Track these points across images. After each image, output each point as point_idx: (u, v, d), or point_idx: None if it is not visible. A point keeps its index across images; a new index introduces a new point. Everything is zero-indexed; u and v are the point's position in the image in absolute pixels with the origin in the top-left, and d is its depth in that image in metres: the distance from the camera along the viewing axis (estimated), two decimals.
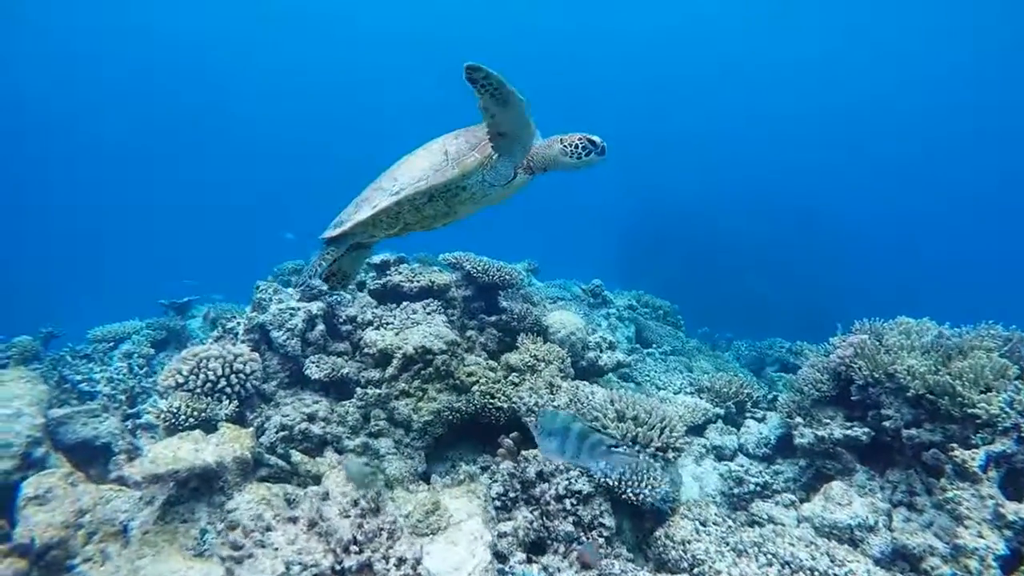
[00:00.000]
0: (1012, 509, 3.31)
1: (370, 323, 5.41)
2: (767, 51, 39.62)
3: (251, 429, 3.85)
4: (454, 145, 3.40)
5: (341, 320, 5.48)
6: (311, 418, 4.50)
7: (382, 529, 2.93)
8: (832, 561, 3.07)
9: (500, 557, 3.34)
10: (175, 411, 3.86)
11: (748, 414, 6.08)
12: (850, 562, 3.05)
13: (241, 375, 4.29)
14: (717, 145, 42.94)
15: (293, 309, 5.07)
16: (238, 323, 5.17)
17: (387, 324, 5.36)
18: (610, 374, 6.60)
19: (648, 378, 7.29)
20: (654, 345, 9.16)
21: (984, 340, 4.10)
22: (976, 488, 3.49)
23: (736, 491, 4.67)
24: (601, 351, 6.36)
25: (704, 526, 3.76)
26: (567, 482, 3.86)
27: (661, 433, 4.14)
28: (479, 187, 3.52)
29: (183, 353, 4.34)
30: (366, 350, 5.03)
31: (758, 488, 4.61)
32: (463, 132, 3.59)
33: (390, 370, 4.83)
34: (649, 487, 3.75)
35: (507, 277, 6.16)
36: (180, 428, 3.79)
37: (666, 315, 11.03)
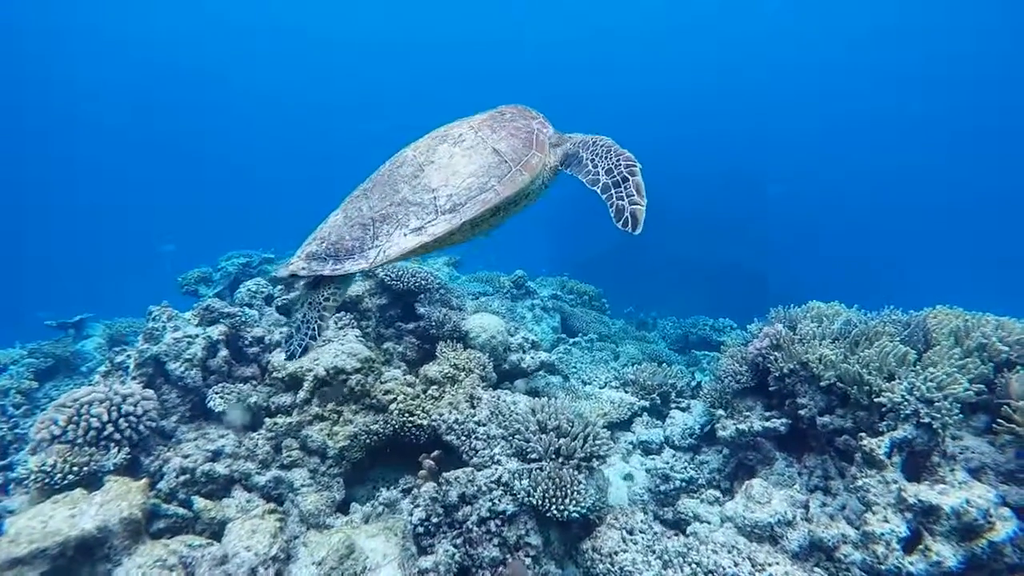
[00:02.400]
0: (912, 492, 3.43)
1: (279, 344, 5.09)
2: (688, 13, 40.02)
3: (142, 481, 3.50)
4: (503, 143, 2.77)
5: (247, 342, 5.12)
6: (215, 456, 4.19)
7: None
8: (753, 566, 3.10)
9: None
10: (49, 469, 3.45)
11: (673, 404, 6.16)
12: (770, 565, 3.09)
13: (132, 418, 3.90)
14: (638, 112, 43.19)
15: (191, 337, 4.68)
16: (128, 356, 4.71)
17: None
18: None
19: (575, 371, 7.27)
20: (580, 334, 9.19)
21: (887, 326, 4.25)
22: (882, 474, 3.61)
23: (663, 488, 4.70)
24: (524, 352, 6.27)
25: (631, 535, 3.74)
26: (490, 503, 3.75)
27: (585, 443, 4.07)
28: (535, 193, 2.97)
29: (60, 399, 3.91)
30: (275, 374, 4.72)
31: (684, 484, 4.66)
32: (489, 122, 2.92)
33: (301, 394, 4.55)
34: (574, 502, 3.68)
35: (423, 282, 5.94)
36: (57, 488, 3.41)
37: (591, 300, 11.11)
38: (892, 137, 40.39)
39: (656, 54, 42.92)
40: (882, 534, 3.37)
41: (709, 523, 4.04)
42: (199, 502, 3.67)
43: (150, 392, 4.16)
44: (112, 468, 3.63)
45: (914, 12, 34.74)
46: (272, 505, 3.34)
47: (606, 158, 2.76)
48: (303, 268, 2.67)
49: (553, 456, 4.05)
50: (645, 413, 6.04)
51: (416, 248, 2.56)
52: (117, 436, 3.79)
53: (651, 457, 5.37)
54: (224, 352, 4.84)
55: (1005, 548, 3.24)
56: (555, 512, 3.64)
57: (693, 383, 6.61)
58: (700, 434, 5.53)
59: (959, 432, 3.77)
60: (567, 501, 3.68)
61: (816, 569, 3.46)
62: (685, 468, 4.78)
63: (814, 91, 41.22)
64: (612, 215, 2.61)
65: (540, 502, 3.67)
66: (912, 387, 3.70)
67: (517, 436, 4.26)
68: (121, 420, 3.84)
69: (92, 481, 3.57)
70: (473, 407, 4.68)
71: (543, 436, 4.13)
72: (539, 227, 34.01)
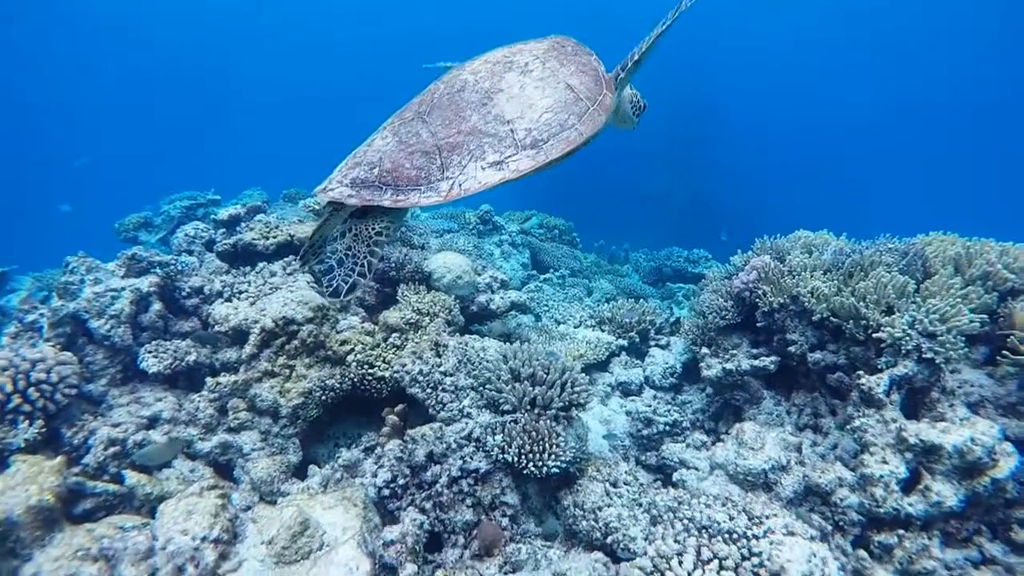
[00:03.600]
0: (913, 431, 3.21)
1: (220, 294, 4.56)
2: None
3: (58, 459, 3.04)
4: (575, 78, 2.59)
5: (185, 293, 4.58)
6: (152, 422, 3.74)
7: None
8: (750, 519, 2.85)
9: (388, 569, 2.88)
10: None
11: (652, 342, 5.89)
12: (768, 518, 2.85)
13: (44, 386, 3.39)
14: (604, 36, 41.29)
15: (115, 290, 4.12)
16: (41, 315, 4.13)
17: (240, 293, 4.53)
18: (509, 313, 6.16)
19: (547, 309, 6.92)
20: (551, 269, 8.81)
21: (883, 255, 3.94)
22: (881, 414, 3.37)
23: (645, 432, 4.45)
24: (493, 292, 5.86)
25: (615, 487, 3.47)
26: (461, 462, 3.42)
27: (562, 391, 3.74)
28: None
29: None
30: (217, 328, 4.22)
31: (667, 427, 4.41)
32: (553, 53, 2.70)
33: (248, 349, 4.08)
34: (553, 457, 3.37)
35: None
36: None
37: (561, 234, 10.69)
38: (869, 58, 39.60)
39: None
40: (881, 476, 3.15)
41: (697, 469, 3.81)
42: (132, 476, 3.25)
43: (67, 355, 3.63)
44: (22, 445, 3.15)
45: None
46: (212, 480, 2.94)
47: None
48: (350, 195, 2.30)
49: (528, 407, 3.72)
50: (623, 352, 5.76)
51: (496, 184, 2.36)
52: (27, 408, 3.29)
53: (631, 399, 5.11)
54: (157, 306, 4.31)
55: (1007, 485, 3.07)
56: (532, 469, 3.33)
57: (672, 319, 6.33)
58: (681, 372, 5.28)
59: (958, 366, 3.55)
60: (545, 456, 3.37)
61: (812, 514, 3.26)
62: (668, 411, 4.52)
63: (786, 19, 39.93)
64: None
65: (516, 459, 3.35)
66: (914, 320, 3.42)
67: (488, 386, 3.90)
68: (31, 389, 3.32)
69: None
70: (439, 355, 4.29)
71: (517, 385, 3.78)
72: None
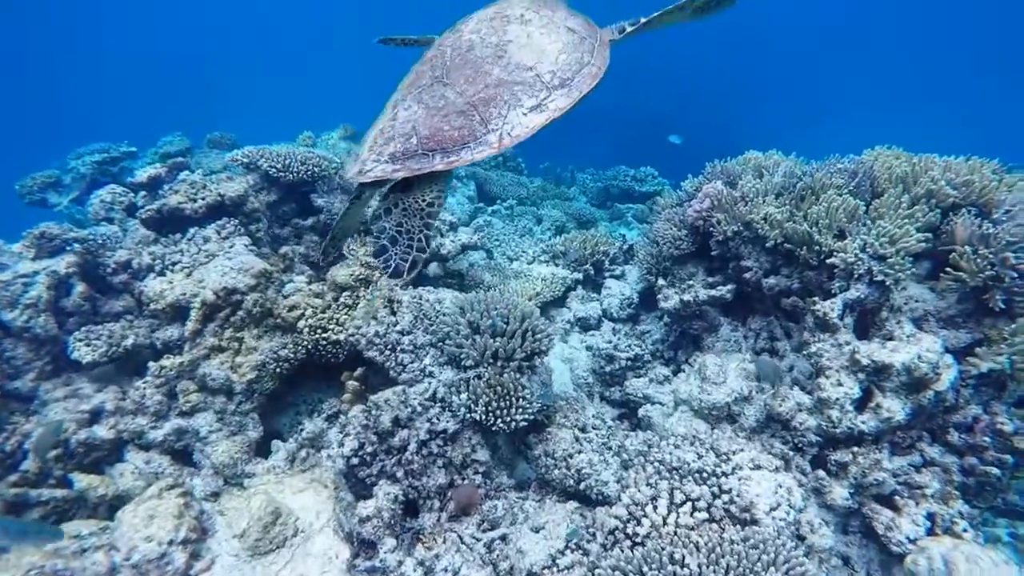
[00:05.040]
0: (865, 352, 3.34)
1: (151, 268, 4.22)
2: None
3: None
4: (570, 21, 2.67)
5: (110, 269, 4.22)
6: (95, 416, 3.52)
7: None
8: (717, 456, 2.95)
9: (366, 545, 2.87)
10: None
11: (607, 273, 5.87)
12: (735, 453, 2.94)
13: None
14: None
15: (26, 275, 3.74)
16: None
17: (174, 265, 4.20)
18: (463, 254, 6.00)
19: (498, 244, 6.78)
20: (499, 200, 8.60)
21: (833, 176, 3.93)
22: (835, 337, 3.48)
23: (608, 369, 4.50)
24: (442, 235, 5.67)
25: (584, 432, 3.53)
26: (428, 424, 3.38)
27: (524, 341, 3.68)
28: None
29: None
30: (152, 305, 3.94)
31: (629, 362, 4.46)
32: (530, 5, 2.72)
33: (190, 325, 3.84)
34: (520, 411, 3.36)
35: (316, 168, 5.05)
36: None
37: (505, 160, 10.39)
38: None
39: None
40: (837, 399, 3.29)
41: (662, 404, 3.90)
42: (81, 479, 3.07)
43: None
44: None
45: None
46: (168, 480, 2.80)
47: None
48: (396, 170, 2.28)
49: (491, 360, 3.66)
50: (579, 286, 5.74)
51: (543, 126, 2.44)
52: None
53: (591, 334, 5.14)
54: (81, 288, 3.96)
55: (948, 395, 3.25)
56: (501, 425, 3.32)
57: (625, 247, 6.31)
58: (637, 302, 5.32)
59: (905, 283, 3.65)
60: (513, 411, 3.35)
61: (772, 440, 3.40)
62: (629, 346, 4.56)
63: None
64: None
65: (484, 416, 3.32)
66: (864, 244, 3.46)
67: (448, 341, 3.81)
68: None
69: None
70: (394, 313, 4.15)
71: (477, 339, 3.70)
72: None
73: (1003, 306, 3.23)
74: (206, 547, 2.64)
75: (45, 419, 3.41)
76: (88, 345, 3.71)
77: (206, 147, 8.29)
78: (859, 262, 3.42)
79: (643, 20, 2.81)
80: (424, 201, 2.47)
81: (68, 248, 4.11)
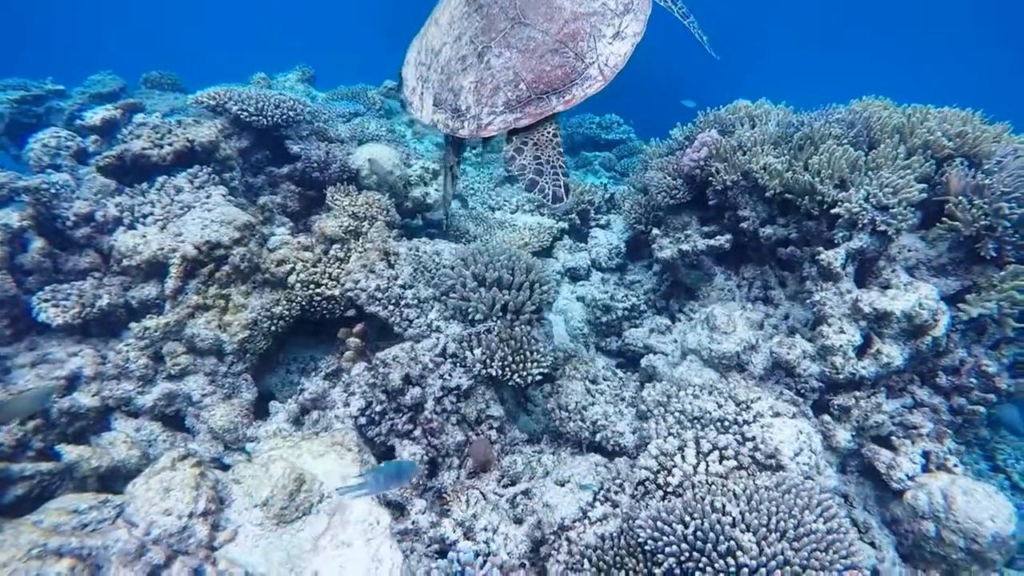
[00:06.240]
0: (867, 300, 3.44)
1: (118, 220, 3.84)
2: None
3: None
4: None
5: (71, 222, 3.82)
6: (73, 382, 3.23)
7: None
8: (737, 405, 2.99)
9: (397, 508, 2.78)
10: None
11: (592, 222, 5.82)
12: (754, 402, 2.98)
13: None
14: None
15: None
16: None
17: (145, 217, 3.84)
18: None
19: (473, 193, 6.59)
20: (468, 147, 8.33)
21: (831, 126, 3.95)
22: (838, 286, 3.56)
23: (604, 319, 4.49)
24: (426, 184, 5.43)
25: (595, 384, 3.52)
26: (441, 380, 3.28)
27: (532, 293, 3.60)
28: None
29: None
30: (125, 262, 3.60)
31: (626, 312, 4.46)
32: None
33: (170, 283, 3.54)
34: (535, 364, 3.31)
35: (290, 112, 4.68)
36: None
37: None
38: None
39: None
40: (840, 346, 3.39)
41: (665, 355, 3.92)
42: (71, 450, 2.82)
43: None
44: None
45: None
46: (180, 451, 2.59)
47: None
48: (519, 118, 2.39)
49: (500, 314, 3.57)
50: (565, 236, 5.67)
51: (630, 52, 2.52)
52: None
53: (580, 284, 5.10)
54: (39, 243, 3.57)
55: (943, 340, 3.40)
56: (517, 380, 3.27)
57: (607, 195, 6.24)
58: (625, 252, 5.31)
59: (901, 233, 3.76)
60: (529, 365, 3.30)
61: (778, 387, 3.49)
62: (625, 296, 4.56)
63: None
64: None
65: (500, 372, 3.26)
66: (868, 194, 3.51)
67: (453, 294, 3.68)
68: None
69: None
70: (391, 266, 3.96)
71: (484, 292, 3.59)
72: (378, 32, 29.18)
73: (994, 254, 3.37)
74: (224, 518, 2.49)
75: (16, 387, 3.10)
76: (56, 306, 3.37)
77: (143, 87, 7.59)
78: (863, 212, 3.47)
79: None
80: (550, 132, 2.55)
81: (16, 198, 3.69)
